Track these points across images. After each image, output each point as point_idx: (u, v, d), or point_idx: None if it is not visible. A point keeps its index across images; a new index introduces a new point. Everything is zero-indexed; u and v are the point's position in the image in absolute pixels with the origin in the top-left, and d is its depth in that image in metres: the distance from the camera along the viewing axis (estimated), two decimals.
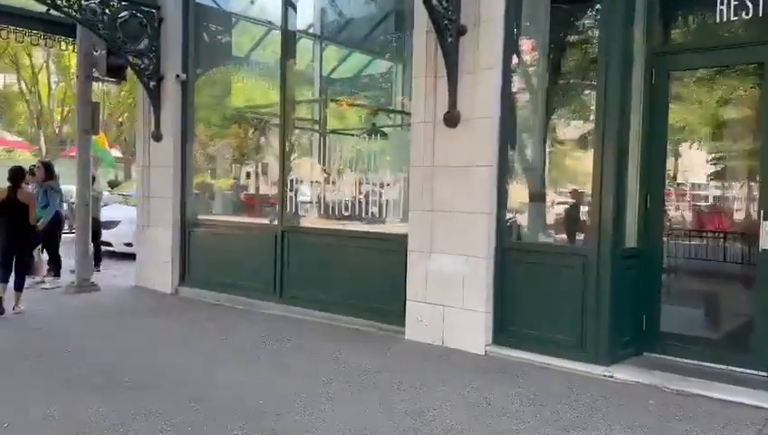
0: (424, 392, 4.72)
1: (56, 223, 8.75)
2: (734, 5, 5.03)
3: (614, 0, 5.18)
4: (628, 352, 5.44)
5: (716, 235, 5.64)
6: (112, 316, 7.31)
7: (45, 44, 9.72)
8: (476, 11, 5.69)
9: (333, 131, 8.58)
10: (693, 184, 5.95)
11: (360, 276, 6.80)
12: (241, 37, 9.55)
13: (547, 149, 6.32)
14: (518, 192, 6.06)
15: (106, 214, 11.52)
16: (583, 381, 5.02)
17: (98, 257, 10.22)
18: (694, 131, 5.91)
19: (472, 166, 5.78)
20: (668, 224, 5.66)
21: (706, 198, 5.96)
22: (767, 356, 4.96)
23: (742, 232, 5.51)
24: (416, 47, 6.20)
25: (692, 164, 5.90)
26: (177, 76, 8.45)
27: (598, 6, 5.53)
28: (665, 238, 5.54)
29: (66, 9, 7.20)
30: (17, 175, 7.31)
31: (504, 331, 5.75)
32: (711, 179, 5.89)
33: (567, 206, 6.15)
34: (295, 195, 7.68)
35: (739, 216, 5.61)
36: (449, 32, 5.70)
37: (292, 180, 7.69)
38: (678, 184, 5.85)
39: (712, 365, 5.15)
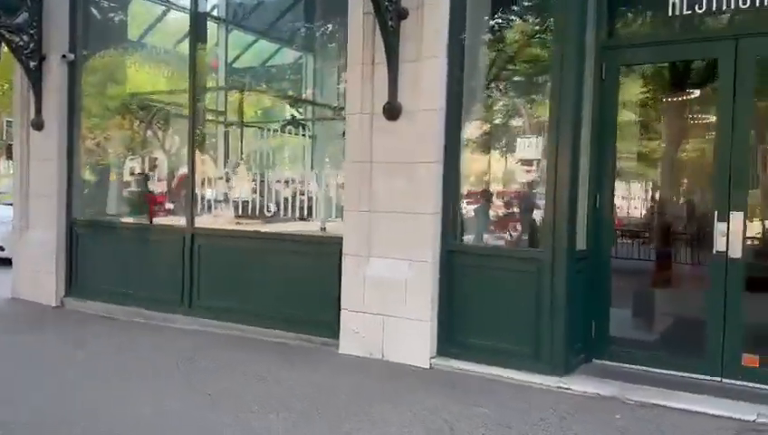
0: (377, 418, 4.15)
1: None
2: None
3: None
4: (579, 359, 5.18)
5: (667, 235, 5.52)
6: None
7: None
8: None
9: (247, 124, 7.84)
10: (645, 183, 5.81)
11: (287, 284, 6.11)
12: (140, 16, 8.55)
13: (497, 145, 5.96)
14: (466, 191, 5.65)
15: None
16: (541, 396, 4.66)
17: None
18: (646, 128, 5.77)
19: (415, 162, 5.29)
20: (618, 225, 5.47)
21: (657, 197, 5.84)
22: (719, 362, 4.84)
23: (695, 233, 5.41)
24: (351, 30, 5.62)
25: (644, 162, 5.75)
26: (64, 56, 7.36)
27: None
28: (616, 240, 5.34)
29: None
30: None
31: (451, 341, 5.31)
32: (665, 178, 5.78)
33: (519, 205, 5.82)
34: (206, 193, 6.87)
35: (692, 216, 5.52)
36: (389, 14, 5.20)
37: (202, 177, 6.87)
38: (629, 183, 5.68)
39: (665, 372, 4.96)
